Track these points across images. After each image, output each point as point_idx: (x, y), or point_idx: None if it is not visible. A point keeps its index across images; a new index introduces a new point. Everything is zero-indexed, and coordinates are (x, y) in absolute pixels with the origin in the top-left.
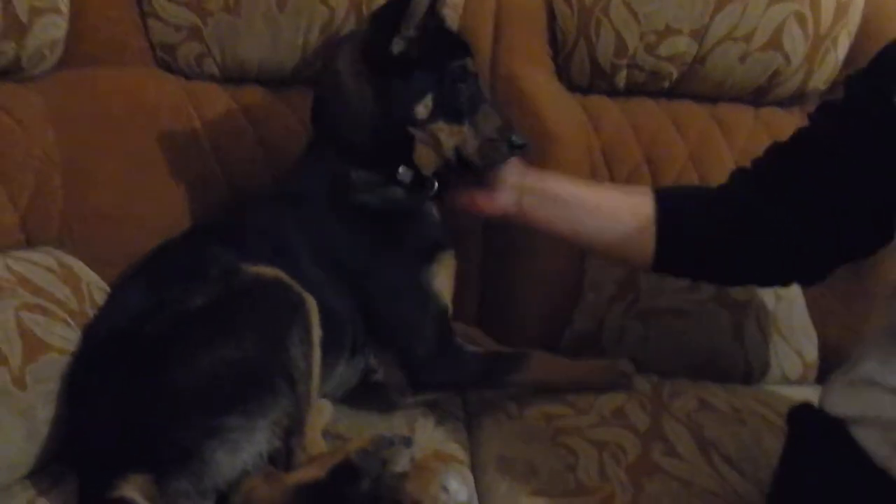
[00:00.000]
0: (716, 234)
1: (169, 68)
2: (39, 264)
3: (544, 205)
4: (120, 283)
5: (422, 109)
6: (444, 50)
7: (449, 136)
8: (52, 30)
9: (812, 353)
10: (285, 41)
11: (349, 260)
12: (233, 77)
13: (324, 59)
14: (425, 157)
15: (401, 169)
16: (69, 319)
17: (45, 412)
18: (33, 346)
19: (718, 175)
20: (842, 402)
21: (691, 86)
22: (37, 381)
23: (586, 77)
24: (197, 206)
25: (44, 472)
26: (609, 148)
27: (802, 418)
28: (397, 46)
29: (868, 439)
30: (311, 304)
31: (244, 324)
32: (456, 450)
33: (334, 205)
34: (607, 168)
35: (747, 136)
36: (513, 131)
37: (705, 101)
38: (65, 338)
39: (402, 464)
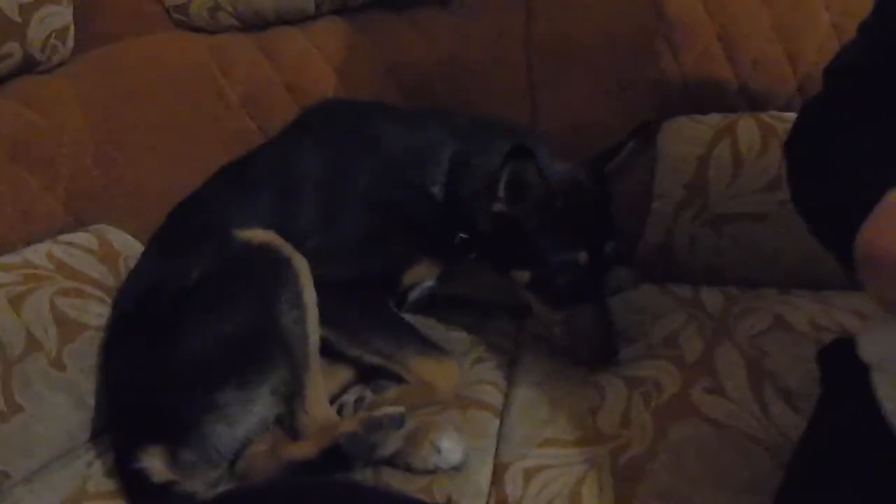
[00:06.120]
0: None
1: (187, 28)
2: (80, 246)
3: None
4: (144, 250)
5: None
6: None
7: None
8: (53, 19)
9: None
10: None
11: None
12: (253, 24)
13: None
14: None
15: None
16: (105, 297)
17: (87, 384)
18: (70, 329)
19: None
20: (871, 344)
21: None
22: (76, 358)
23: None
24: None
25: (103, 436)
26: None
27: (833, 361)
28: (497, 206)
29: (881, 387)
30: (301, 264)
31: (233, 296)
32: (487, 391)
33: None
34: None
35: None
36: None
37: None
38: (101, 315)
39: (391, 446)
